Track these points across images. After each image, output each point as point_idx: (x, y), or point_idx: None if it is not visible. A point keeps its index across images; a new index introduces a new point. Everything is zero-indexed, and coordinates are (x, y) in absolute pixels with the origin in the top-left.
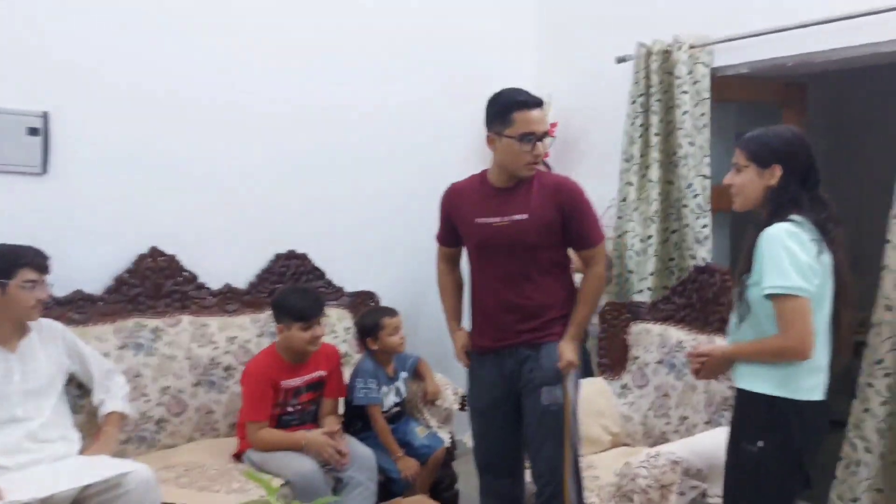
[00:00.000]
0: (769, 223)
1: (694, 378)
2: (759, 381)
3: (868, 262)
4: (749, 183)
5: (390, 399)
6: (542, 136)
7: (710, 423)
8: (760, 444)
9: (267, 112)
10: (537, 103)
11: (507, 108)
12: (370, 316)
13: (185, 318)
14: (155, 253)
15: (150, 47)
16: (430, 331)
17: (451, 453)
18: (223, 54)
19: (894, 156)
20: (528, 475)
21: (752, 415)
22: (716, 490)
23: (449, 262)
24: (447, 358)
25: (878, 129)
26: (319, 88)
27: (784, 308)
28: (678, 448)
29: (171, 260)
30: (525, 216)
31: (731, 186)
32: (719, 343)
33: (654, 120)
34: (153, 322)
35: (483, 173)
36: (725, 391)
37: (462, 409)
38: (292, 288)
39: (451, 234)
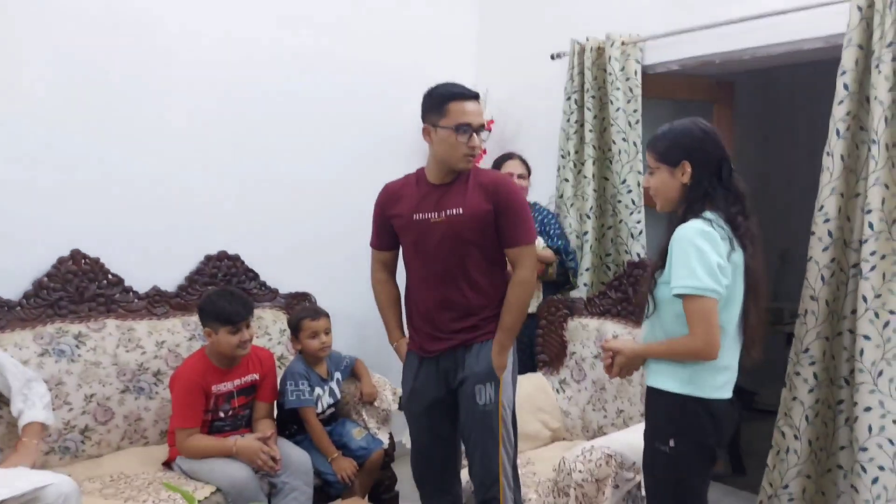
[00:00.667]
0: (684, 220)
1: (607, 373)
2: (667, 378)
3: (799, 255)
4: (663, 184)
5: (325, 400)
6: (477, 129)
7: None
8: (672, 443)
9: (196, 108)
10: (473, 96)
11: (443, 98)
12: (294, 315)
13: (111, 323)
14: (77, 256)
15: (69, 40)
16: (369, 331)
17: (390, 455)
18: (148, 47)
19: (821, 151)
20: (465, 474)
21: (662, 414)
22: None
23: (385, 271)
24: (386, 358)
25: (805, 124)
26: (249, 84)
27: (692, 308)
28: (613, 441)
29: (95, 263)
30: (460, 211)
31: (649, 189)
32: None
33: (589, 116)
34: (76, 327)
35: (419, 171)
36: None
37: (401, 408)
38: (219, 291)
39: (387, 237)
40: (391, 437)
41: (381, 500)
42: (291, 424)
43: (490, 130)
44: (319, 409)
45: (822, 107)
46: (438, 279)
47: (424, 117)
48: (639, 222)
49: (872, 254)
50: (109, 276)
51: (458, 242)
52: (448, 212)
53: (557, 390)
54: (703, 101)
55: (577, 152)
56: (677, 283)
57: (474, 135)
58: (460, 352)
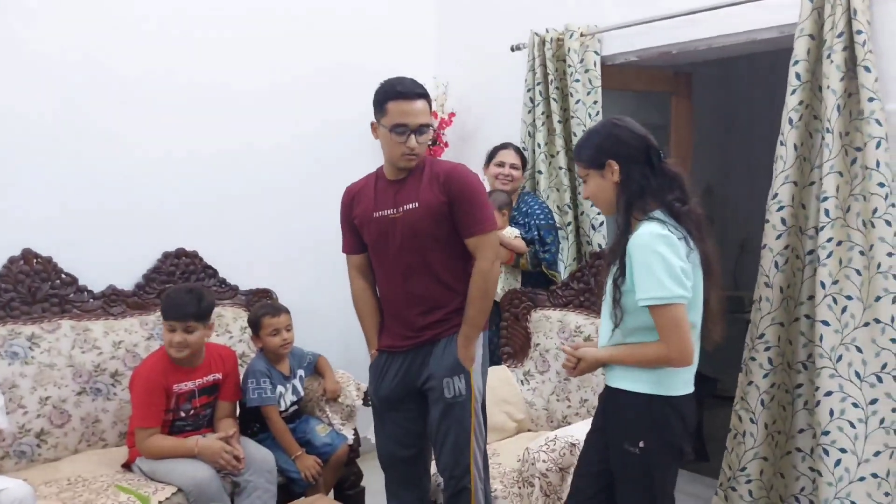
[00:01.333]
0: (627, 219)
1: (566, 373)
2: (633, 380)
3: (759, 244)
4: (598, 189)
5: (288, 398)
6: (416, 130)
7: None
8: (642, 444)
9: (151, 102)
10: (416, 95)
11: (384, 97)
12: (254, 312)
13: (65, 324)
14: (28, 255)
15: (18, 35)
16: (332, 327)
17: (355, 451)
18: (103, 44)
19: (776, 140)
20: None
21: (630, 415)
22: None
23: (362, 276)
24: (350, 354)
25: (763, 114)
26: (206, 77)
27: (663, 318)
28: (576, 431)
29: (48, 262)
30: (416, 205)
31: (588, 198)
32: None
33: (555, 108)
34: (29, 329)
35: (379, 169)
36: None
37: (366, 404)
38: (178, 288)
39: (356, 239)
40: (356, 433)
41: (347, 497)
42: (254, 423)
43: (451, 124)
44: (282, 407)
45: (780, 97)
46: (402, 275)
47: (374, 113)
48: (599, 213)
49: (829, 240)
50: (63, 276)
51: (417, 237)
52: (404, 207)
53: (522, 382)
54: (662, 93)
55: (546, 144)
56: (645, 296)
57: (412, 136)
58: (426, 348)
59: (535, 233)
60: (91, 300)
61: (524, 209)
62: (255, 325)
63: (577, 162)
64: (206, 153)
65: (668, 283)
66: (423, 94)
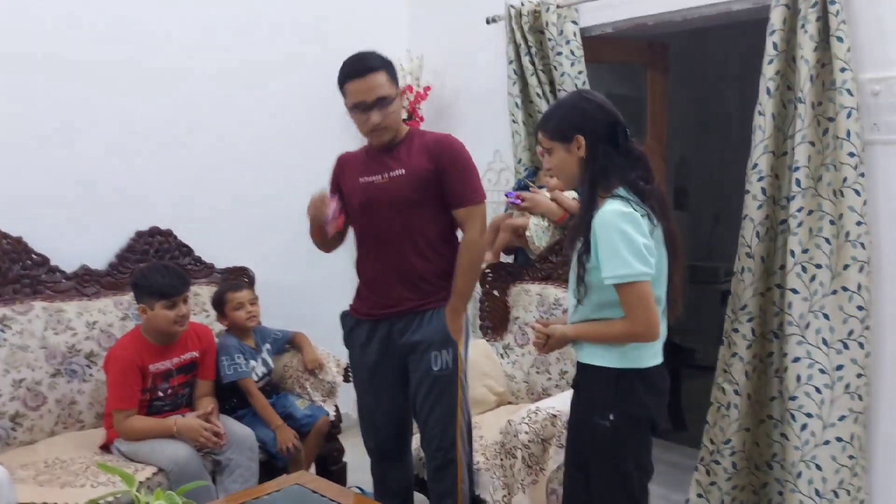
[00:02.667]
0: (592, 196)
1: (536, 351)
2: (602, 355)
3: (733, 215)
4: (562, 162)
5: (259, 370)
6: (371, 106)
7: None
8: (612, 417)
9: (122, 77)
10: (367, 70)
11: (341, 79)
12: (217, 292)
13: (38, 305)
14: None
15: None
16: (308, 304)
17: (336, 426)
18: (70, 13)
19: (752, 110)
20: (416, 441)
21: (599, 389)
22: None
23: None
24: (329, 332)
25: (737, 86)
26: (179, 52)
27: (628, 295)
28: (557, 402)
29: (17, 242)
30: (402, 172)
31: (550, 170)
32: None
33: (535, 81)
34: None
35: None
36: None
37: (346, 380)
38: (152, 265)
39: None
40: (337, 409)
41: (330, 472)
42: (231, 399)
43: (426, 97)
44: (255, 380)
45: (754, 69)
46: (385, 245)
47: None
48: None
49: (800, 210)
50: (34, 256)
51: (402, 205)
52: (391, 173)
53: (502, 355)
54: (638, 65)
55: (531, 116)
56: (610, 274)
57: (373, 111)
58: (407, 317)
59: None
60: (63, 280)
61: None
62: (219, 303)
63: (542, 132)
64: (180, 130)
65: (633, 261)
66: (376, 67)
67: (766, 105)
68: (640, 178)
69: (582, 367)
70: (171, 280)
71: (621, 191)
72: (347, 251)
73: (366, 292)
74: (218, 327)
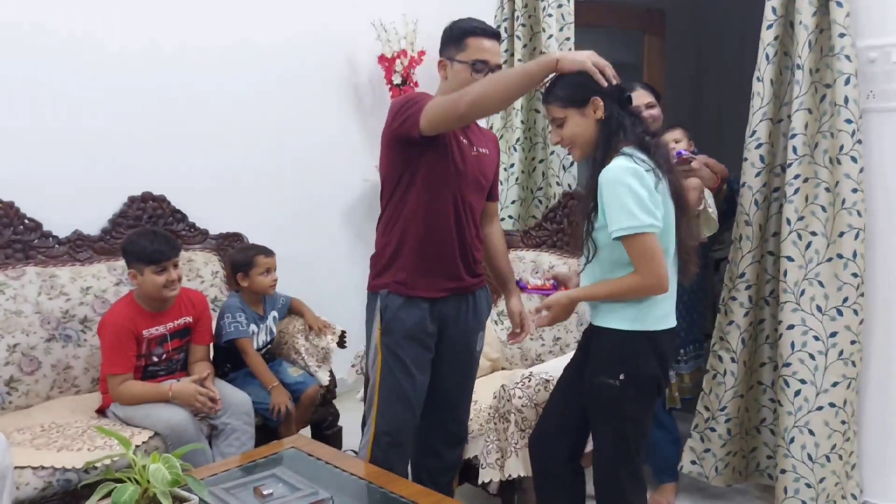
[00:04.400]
0: (607, 156)
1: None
2: (614, 318)
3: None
4: (578, 127)
5: (261, 338)
6: (493, 68)
7: None
8: (621, 377)
9: (115, 41)
10: (494, 34)
11: (463, 33)
12: (243, 252)
13: (31, 270)
14: None
15: None
16: (303, 271)
17: (331, 392)
18: None
19: (750, 79)
20: None
21: (609, 350)
22: None
23: None
24: (322, 299)
25: (734, 53)
26: (176, 20)
27: (635, 247)
28: (550, 368)
29: (9, 207)
30: (486, 151)
31: (561, 143)
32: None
33: (518, 46)
34: None
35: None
36: None
37: (341, 346)
38: (142, 230)
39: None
40: (332, 375)
41: (326, 436)
42: (225, 363)
43: (421, 62)
44: (255, 347)
45: (750, 35)
46: (462, 217)
47: (442, 50)
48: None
49: (796, 177)
50: (26, 221)
51: (479, 182)
52: (479, 149)
53: (496, 322)
54: (634, 31)
55: None
56: (616, 227)
57: (490, 74)
58: (467, 297)
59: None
60: (56, 245)
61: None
62: (245, 264)
63: (553, 104)
64: (172, 96)
65: (638, 212)
66: (499, 35)
67: (764, 71)
68: (645, 133)
69: (595, 330)
70: (160, 245)
71: (627, 149)
72: (346, 220)
73: (431, 265)
74: (213, 292)
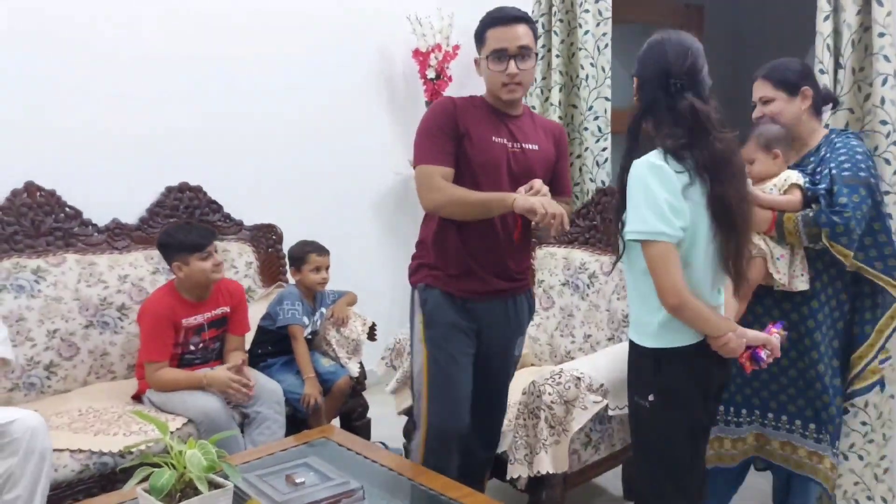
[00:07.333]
0: (631, 148)
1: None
2: (639, 333)
3: None
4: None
5: (308, 331)
6: (515, 54)
7: (613, 339)
8: (651, 398)
9: (155, 33)
10: (514, 19)
11: (483, 27)
12: (300, 247)
13: (71, 257)
14: (31, 188)
15: None
16: (334, 262)
17: (361, 384)
18: None
19: None
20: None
21: (639, 369)
22: (617, 403)
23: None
24: (353, 290)
25: (773, 50)
26: (213, 13)
27: (648, 254)
28: (581, 365)
29: (51, 195)
30: (536, 147)
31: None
32: None
33: (556, 41)
34: (34, 262)
35: (479, 98)
36: (626, 309)
37: (371, 338)
38: (172, 227)
39: (454, 152)
40: (361, 366)
41: (355, 427)
42: (267, 347)
43: (455, 57)
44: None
45: (790, 33)
46: (506, 216)
47: (477, 50)
48: (605, 150)
49: None
50: (67, 209)
51: (525, 179)
52: (524, 144)
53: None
54: (673, 26)
55: (544, 79)
56: (629, 229)
57: (512, 61)
58: (510, 299)
59: (824, 186)
60: (95, 234)
61: (824, 153)
62: (299, 259)
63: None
64: (211, 87)
65: (651, 217)
66: (523, 18)
67: (827, 63)
68: (704, 130)
69: (630, 345)
70: (200, 232)
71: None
72: (377, 212)
73: (473, 265)
74: (247, 283)
